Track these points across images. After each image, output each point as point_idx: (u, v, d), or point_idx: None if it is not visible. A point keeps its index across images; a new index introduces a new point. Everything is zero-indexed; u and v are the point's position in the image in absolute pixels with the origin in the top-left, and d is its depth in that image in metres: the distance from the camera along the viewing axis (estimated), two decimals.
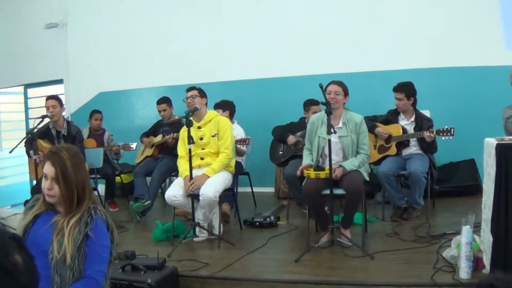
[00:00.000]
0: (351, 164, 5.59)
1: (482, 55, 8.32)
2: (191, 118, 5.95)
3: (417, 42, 8.65)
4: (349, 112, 5.81)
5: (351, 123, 5.71)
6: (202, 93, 6.44)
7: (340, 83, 5.70)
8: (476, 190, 7.72)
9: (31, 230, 3.12)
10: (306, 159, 5.91)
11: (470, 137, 6.63)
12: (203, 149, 6.30)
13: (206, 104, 6.50)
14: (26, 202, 3.79)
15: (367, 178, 5.70)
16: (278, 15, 9.49)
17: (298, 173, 5.74)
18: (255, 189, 8.37)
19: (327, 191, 5.44)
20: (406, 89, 6.78)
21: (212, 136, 6.29)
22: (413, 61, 8.62)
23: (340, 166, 5.56)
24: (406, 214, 6.74)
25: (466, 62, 8.42)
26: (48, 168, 3.06)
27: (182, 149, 6.32)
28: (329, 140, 5.32)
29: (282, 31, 9.40)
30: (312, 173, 5.52)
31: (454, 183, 8.01)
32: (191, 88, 6.47)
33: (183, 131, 6.22)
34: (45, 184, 3.08)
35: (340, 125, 5.70)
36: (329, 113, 5.28)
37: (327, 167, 5.54)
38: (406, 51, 8.72)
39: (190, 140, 5.78)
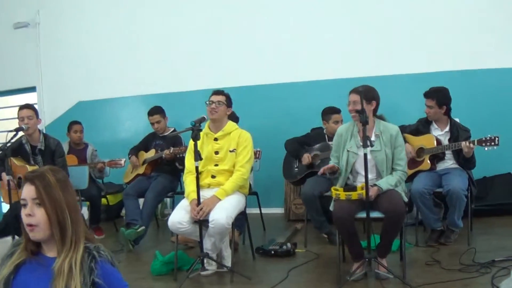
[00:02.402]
0: (386, 182, 5.21)
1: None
2: (204, 129, 5.57)
3: (441, 42, 8.42)
4: (383, 122, 5.45)
5: (385, 135, 5.35)
6: (229, 102, 6.06)
7: (358, 91, 5.26)
8: None
9: (15, 283, 2.63)
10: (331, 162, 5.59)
11: (505, 148, 6.26)
12: (216, 165, 5.92)
13: (229, 114, 6.15)
14: None
15: (406, 199, 5.35)
16: (285, 16, 9.24)
17: (321, 171, 5.40)
18: (262, 210, 8.01)
19: (362, 214, 5.12)
20: (438, 96, 6.46)
21: (230, 151, 5.90)
22: (436, 63, 8.40)
23: (375, 185, 5.17)
24: (443, 238, 6.40)
25: (496, 64, 8.19)
26: (27, 189, 2.60)
27: (190, 162, 5.84)
28: (365, 155, 4.96)
29: (292, 33, 9.16)
30: (342, 194, 5.14)
31: (490, 201, 7.71)
32: (219, 92, 6.04)
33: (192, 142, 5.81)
34: (24, 213, 2.59)
35: (373, 137, 5.32)
36: (364, 122, 4.93)
37: (358, 185, 5.21)
38: (430, 52, 8.48)
39: (198, 156, 5.38)
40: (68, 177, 2.80)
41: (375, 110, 5.43)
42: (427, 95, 6.52)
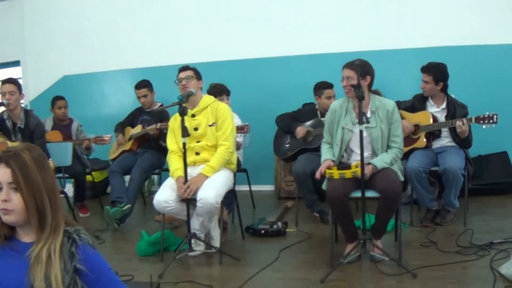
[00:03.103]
0: (382, 160, 4.99)
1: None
2: (184, 105, 5.28)
3: (437, 17, 8.24)
4: (378, 97, 5.21)
5: (381, 111, 5.10)
6: (198, 75, 5.80)
7: (353, 66, 5.00)
8: (510, 187, 7.44)
9: None
10: (326, 154, 5.29)
11: (501, 126, 6.03)
12: (198, 141, 5.66)
13: (201, 87, 5.88)
14: None
15: (402, 178, 5.13)
16: None
17: (318, 175, 5.12)
18: (252, 187, 7.81)
19: (356, 194, 4.90)
20: (436, 72, 6.25)
21: (209, 126, 5.64)
22: (433, 38, 8.21)
23: (369, 163, 4.94)
24: (439, 218, 6.21)
25: (495, 40, 8.02)
26: (1, 172, 2.34)
27: (172, 142, 5.70)
28: (361, 132, 4.73)
29: (283, 7, 8.94)
30: (335, 173, 4.91)
31: (485, 180, 7.56)
32: (185, 68, 5.79)
33: (174, 121, 5.61)
34: None
35: (368, 114, 5.07)
36: (361, 98, 4.70)
37: (352, 163, 5.01)
38: (424, 27, 8.30)
39: (185, 132, 5.12)
40: (45, 156, 2.51)
41: (369, 85, 5.17)
42: (425, 69, 6.32)
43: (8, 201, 2.31)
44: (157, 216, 6.32)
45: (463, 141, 6.14)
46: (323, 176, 5.07)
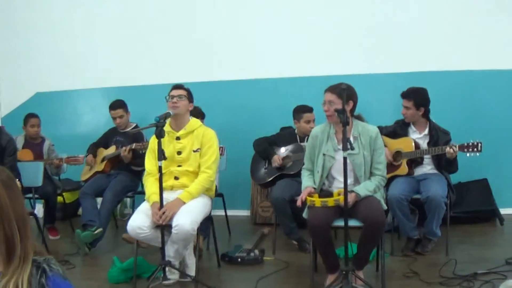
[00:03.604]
0: (365, 188, 4.84)
1: (493, 57, 7.93)
2: (165, 127, 5.11)
3: (419, 42, 8.16)
4: (361, 123, 5.07)
5: (364, 137, 4.97)
6: (190, 96, 5.62)
7: (335, 90, 4.90)
8: (491, 215, 7.41)
9: None
10: (308, 181, 5.12)
11: (482, 153, 5.87)
12: (179, 166, 5.46)
13: (190, 110, 5.71)
14: None
15: (385, 206, 5.01)
16: (257, 10, 8.87)
17: (300, 202, 4.95)
18: (227, 212, 7.62)
19: (339, 222, 4.75)
20: (416, 97, 6.16)
21: (194, 151, 5.44)
22: (414, 63, 8.13)
23: (352, 191, 4.78)
24: (420, 247, 6.07)
25: (473, 65, 7.99)
26: None
27: (151, 163, 5.47)
28: (345, 159, 4.56)
29: (263, 29, 8.79)
30: (317, 201, 4.74)
31: (466, 208, 7.43)
32: (179, 86, 5.59)
33: (154, 141, 5.33)
34: None
35: (351, 139, 4.90)
36: (345, 123, 4.54)
37: (334, 191, 4.86)
38: (405, 51, 8.20)
39: (161, 155, 4.93)
40: (14, 179, 2.29)
41: (352, 110, 5.03)
42: (405, 95, 6.21)
43: None
44: (124, 234, 6.08)
45: (449, 166, 6.05)
46: (304, 203, 4.90)
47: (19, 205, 2.17)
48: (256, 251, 6.08)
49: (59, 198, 7.83)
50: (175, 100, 5.39)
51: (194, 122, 5.60)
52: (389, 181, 5.99)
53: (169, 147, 5.30)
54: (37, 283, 2.10)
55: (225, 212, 7.49)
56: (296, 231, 6.37)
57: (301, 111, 6.75)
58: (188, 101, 5.53)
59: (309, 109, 6.71)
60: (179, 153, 5.43)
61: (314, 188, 5.01)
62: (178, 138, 5.45)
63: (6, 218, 2.08)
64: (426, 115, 6.23)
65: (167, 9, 9.18)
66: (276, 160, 6.67)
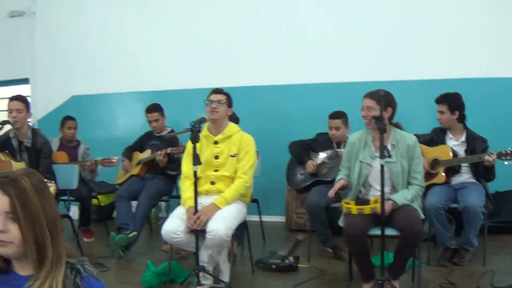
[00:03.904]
0: (402, 197, 4.77)
1: None
2: (203, 131, 5.08)
3: (457, 48, 8.02)
4: (399, 131, 4.99)
5: (402, 145, 4.89)
6: (229, 101, 5.57)
7: (374, 96, 4.83)
8: None
9: None
10: (341, 176, 5.14)
11: None
12: (216, 170, 5.42)
13: (230, 115, 5.66)
14: None
15: (422, 216, 4.91)
16: (292, 16, 8.84)
17: (332, 193, 4.93)
18: (262, 218, 7.56)
19: (375, 231, 4.70)
20: (450, 101, 6.11)
21: (231, 156, 5.40)
22: (451, 70, 7.98)
23: (389, 199, 4.70)
24: (457, 257, 5.96)
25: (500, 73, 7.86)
26: None
27: (187, 167, 5.41)
28: (382, 167, 4.46)
29: (300, 34, 8.74)
30: (354, 208, 4.68)
31: (504, 218, 7.29)
32: (219, 91, 5.55)
33: (191, 144, 5.22)
34: None
35: (388, 147, 4.83)
36: (383, 131, 4.45)
37: (371, 199, 4.75)
38: (445, 58, 8.07)
39: (197, 160, 4.89)
40: (46, 182, 2.26)
41: (390, 118, 4.95)
42: (439, 100, 6.18)
43: (4, 232, 2.06)
44: (164, 246, 6.07)
45: (487, 173, 5.92)
46: (338, 204, 4.84)
47: (51, 209, 2.15)
48: (291, 258, 6.00)
49: (94, 201, 7.89)
50: (215, 106, 5.35)
51: (232, 127, 5.55)
52: (426, 189, 5.87)
53: (206, 151, 5.27)
54: (72, 284, 2.09)
55: (260, 218, 7.43)
56: (331, 238, 6.29)
57: (328, 117, 6.72)
58: (228, 106, 5.48)
59: (334, 115, 6.65)
60: (216, 157, 5.39)
61: (348, 182, 5.01)
62: (216, 143, 5.42)
63: (37, 223, 2.07)
64: (461, 120, 6.14)
65: (206, 14, 9.20)
66: (310, 166, 6.61)
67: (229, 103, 5.53)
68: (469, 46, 7.90)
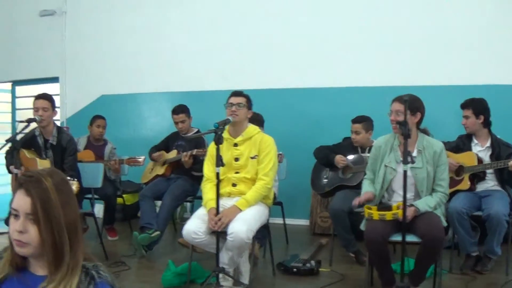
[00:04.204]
0: (425, 204, 4.72)
1: None
2: (224, 134, 5.06)
3: (483, 54, 7.92)
4: (427, 137, 4.93)
5: (429, 151, 4.84)
6: (249, 104, 5.54)
7: (403, 100, 4.69)
8: None
9: None
10: (368, 187, 5.05)
11: None
12: (237, 172, 5.40)
13: (250, 117, 5.64)
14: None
15: (445, 223, 4.83)
16: (319, 19, 8.76)
17: (356, 202, 4.89)
18: (286, 221, 7.51)
19: (396, 237, 4.65)
20: (474, 105, 6.02)
21: (251, 158, 5.38)
22: (478, 75, 7.88)
23: (411, 205, 4.66)
24: (479, 265, 5.86)
25: None
26: (21, 200, 2.08)
27: (209, 169, 5.44)
28: (405, 172, 4.42)
29: (326, 38, 8.67)
30: (375, 214, 4.63)
31: None
32: (238, 93, 5.53)
33: (213, 147, 5.29)
34: (14, 226, 2.09)
35: (415, 153, 4.81)
36: (406, 135, 4.40)
37: (394, 204, 4.71)
38: (471, 63, 7.96)
39: (220, 161, 4.88)
40: (69, 183, 2.25)
41: (418, 123, 4.92)
42: (464, 105, 6.11)
43: (24, 232, 2.06)
44: (181, 238, 6.03)
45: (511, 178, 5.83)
46: (360, 208, 4.80)
47: (72, 210, 2.15)
48: (312, 262, 5.96)
49: (119, 200, 7.92)
50: (234, 109, 5.33)
51: (252, 128, 5.53)
52: (450, 196, 5.79)
53: (226, 153, 5.25)
54: None
55: (284, 220, 7.39)
56: (354, 243, 6.23)
57: (351, 121, 6.67)
58: (247, 109, 5.47)
59: (355, 120, 6.59)
60: (236, 159, 5.37)
61: (374, 195, 4.91)
62: (235, 145, 5.40)
63: (56, 224, 2.07)
64: (487, 125, 6.06)
65: (234, 16, 9.20)
66: (339, 161, 6.55)
67: (249, 105, 5.51)
68: (498, 52, 7.80)
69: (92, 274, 2.13)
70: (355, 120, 6.61)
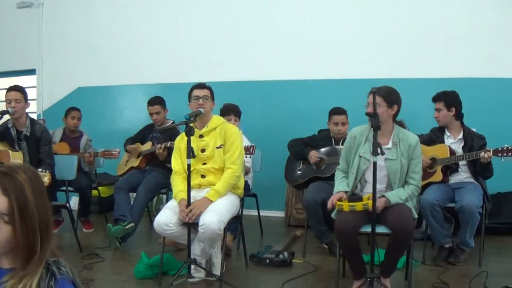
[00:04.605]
0: (396, 195, 4.68)
1: None
2: (192, 124, 5.01)
3: (459, 48, 8.01)
4: (403, 130, 4.90)
5: (404, 144, 4.80)
6: (213, 95, 5.51)
7: (380, 92, 4.67)
8: None
9: None
10: (340, 185, 4.99)
11: None
12: (204, 164, 5.37)
13: (213, 109, 5.59)
14: None
15: (416, 215, 4.83)
16: (295, 12, 8.80)
17: (330, 205, 4.82)
18: (261, 213, 7.52)
19: (366, 228, 4.59)
20: (446, 98, 6.04)
21: (217, 148, 5.34)
22: (452, 69, 7.97)
23: (382, 196, 4.63)
24: (452, 257, 5.88)
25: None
26: None
27: (177, 162, 5.42)
28: (375, 164, 4.40)
29: (302, 30, 8.72)
30: (345, 205, 4.60)
31: (503, 219, 7.20)
32: (202, 86, 5.49)
33: (180, 141, 5.31)
34: None
35: (389, 145, 4.79)
36: (376, 127, 4.37)
37: (365, 195, 4.69)
38: (446, 57, 8.05)
39: (190, 152, 4.84)
40: (41, 177, 2.18)
41: (395, 115, 4.88)
42: (435, 98, 6.15)
43: None
44: (160, 239, 6.03)
45: (484, 170, 5.83)
46: (334, 206, 4.77)
47: (44, 205, 2.09)
48: (286, 253, 5.95)
49: (95, 192, 7.88)
50: (201, 102, 5.31)
51: (216, 119, 5.50)
52: (423, 188, 5.77)
53: (193, 145, 5.20)
54: (46, 287, 2.05)
55: (258, 212, 7.39)
56: (327, 234, 6.24)
57: (331, 113, 6.61)
58: (212, 100, 5.45)
59: (339, 111, 6.54)
60: (203, 150, 5.34)
61: (346, 193, 4.88)
62: (201, 136, 5.37)
63: (31, 224, 2.02)
64: (459, 117, 6.08)
65: (209, 10, 9.20)
66: (313, 156, 6.53)
67: (213, 97, 5.48)
68: (475, 46, 7.85)
69: (52, 270, 2.07)
70: (340, 111, 6.56)
